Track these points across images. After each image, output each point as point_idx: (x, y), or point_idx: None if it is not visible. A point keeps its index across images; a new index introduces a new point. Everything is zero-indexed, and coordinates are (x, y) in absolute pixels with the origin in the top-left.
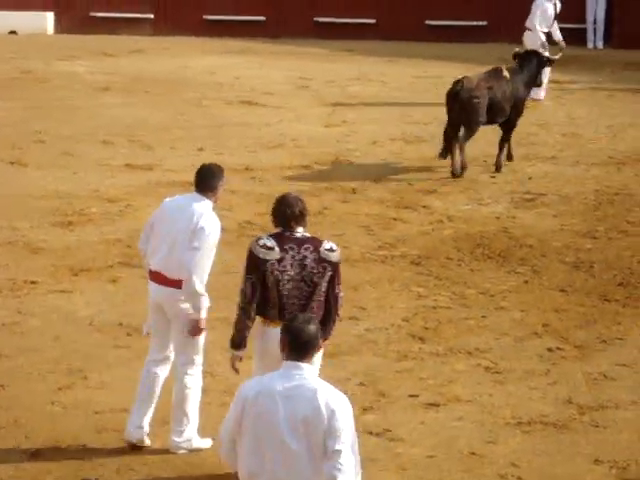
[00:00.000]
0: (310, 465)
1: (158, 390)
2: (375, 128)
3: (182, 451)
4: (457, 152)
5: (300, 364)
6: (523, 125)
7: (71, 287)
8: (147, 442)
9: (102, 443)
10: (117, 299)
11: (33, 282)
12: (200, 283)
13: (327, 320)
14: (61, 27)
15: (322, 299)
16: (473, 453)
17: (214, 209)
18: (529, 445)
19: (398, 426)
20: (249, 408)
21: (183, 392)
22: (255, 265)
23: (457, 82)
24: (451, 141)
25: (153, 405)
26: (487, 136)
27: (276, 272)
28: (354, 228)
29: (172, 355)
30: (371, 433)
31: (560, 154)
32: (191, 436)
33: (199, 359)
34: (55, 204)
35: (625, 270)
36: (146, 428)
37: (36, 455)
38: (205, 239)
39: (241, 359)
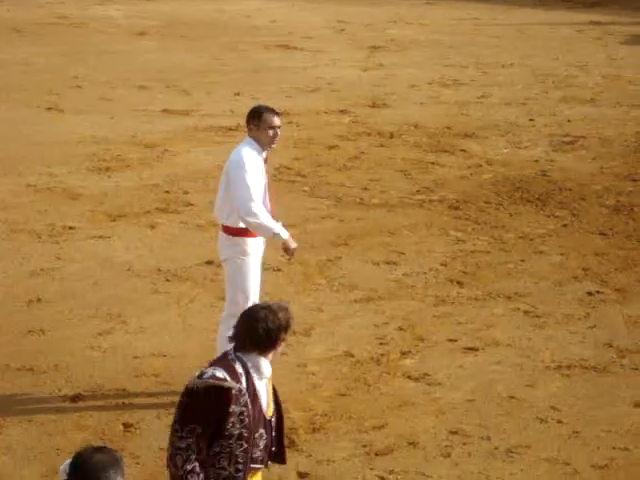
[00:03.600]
0: None
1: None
2: (413, 71)
3: None
4: None
5: None
6: (562, 67)
7: (109, 233)
8: None
9: (142, 388)
10: (155, 244)
11: (71, 228)
12: (250, 215)
13: None
14: None
15: None
16: (512, 397)
17: (264, 148)
18: (569, 389)
19: (437, 370)
20: None
21: (219, 341)
22: None
23: None
24: None
25: None
26: (525, 79)
27: None
28: (391, 172)
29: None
30: (410, 377)
31: (600, 96)
32: None
33: (245, 302)
34: (92, 150)
35: None
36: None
37: (76, 399)
38: (235, 174)
39: None
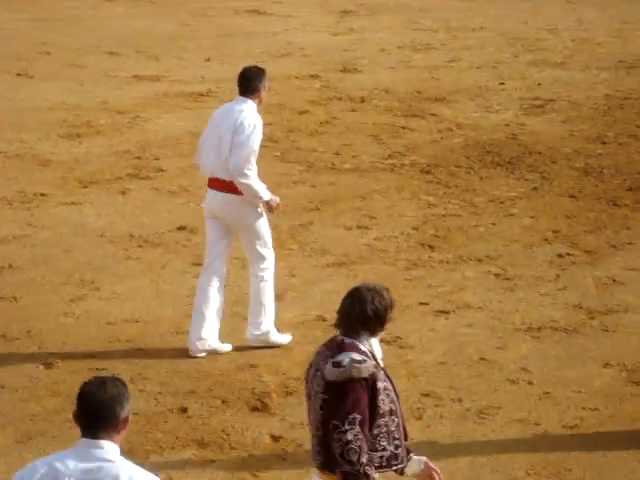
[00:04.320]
0: None
1: (206, 299)
2: (383, 36)
3: (259, 344)
4: None
5: (99, 442)
6: (531, 30)
7: (81, 199)
8: (217, 348)
9: (115, 353)
10: (127, 211)
11: (43, 194)
12: (246, 177)
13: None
14: None
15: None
16: (483, 359)
17: (259, 111)
18: (539, 350)
19: (409, 333)
20: None
21: (258, 285)
22: None
23: None
24: None
25: (207, 315)
26: (495, 43)
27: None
28: (363, 137)
29: (217, 264)
30: (382, 341)
31: (570, 59)
32: (269, 329)
33: (269, 253)
34: (63, 116)
35: (634, 175)
36: (205, 338)
37: (49, 365)
38: (245, 133)
39: None
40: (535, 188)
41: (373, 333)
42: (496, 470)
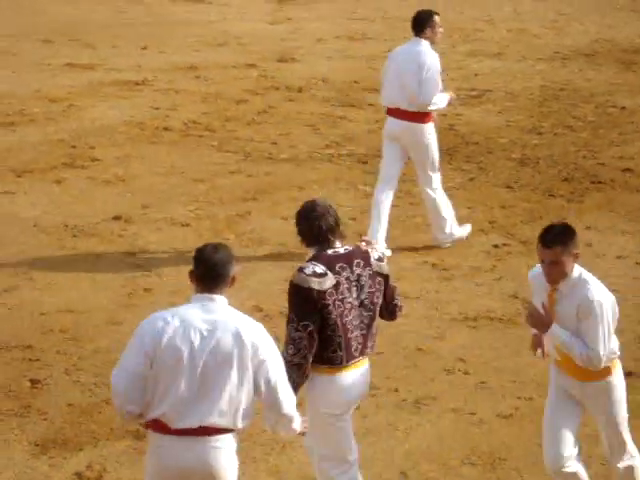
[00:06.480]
0: (238, 395)
1: (381, 209)
2: (320, 25)
3: (448, 244)
4: None
5: (213, 296)
6: (468, 21)
7: (15, 188)
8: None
9: (49, 344)
10: (62, 200)
11: None
12: (434, 105)
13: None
14: None
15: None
16: (420, 349)
17: (433, 48)
18: (475, 340)
19: None
20: (164, 341)
21: (433, 203)
22: (311, 303)
23: None
24: None
25: (382, 223)
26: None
27: (337, 303)
28: (300, 127)
29: (393, 182)
30: None
31: (506, 50)
32: (452, 231)
33: (436, 175)
34: None
35: (570, 165)
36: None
37: None
38: (430, 72)
39: None
40: (472, 178)
41: (342, 238)
42: (431, 460)
